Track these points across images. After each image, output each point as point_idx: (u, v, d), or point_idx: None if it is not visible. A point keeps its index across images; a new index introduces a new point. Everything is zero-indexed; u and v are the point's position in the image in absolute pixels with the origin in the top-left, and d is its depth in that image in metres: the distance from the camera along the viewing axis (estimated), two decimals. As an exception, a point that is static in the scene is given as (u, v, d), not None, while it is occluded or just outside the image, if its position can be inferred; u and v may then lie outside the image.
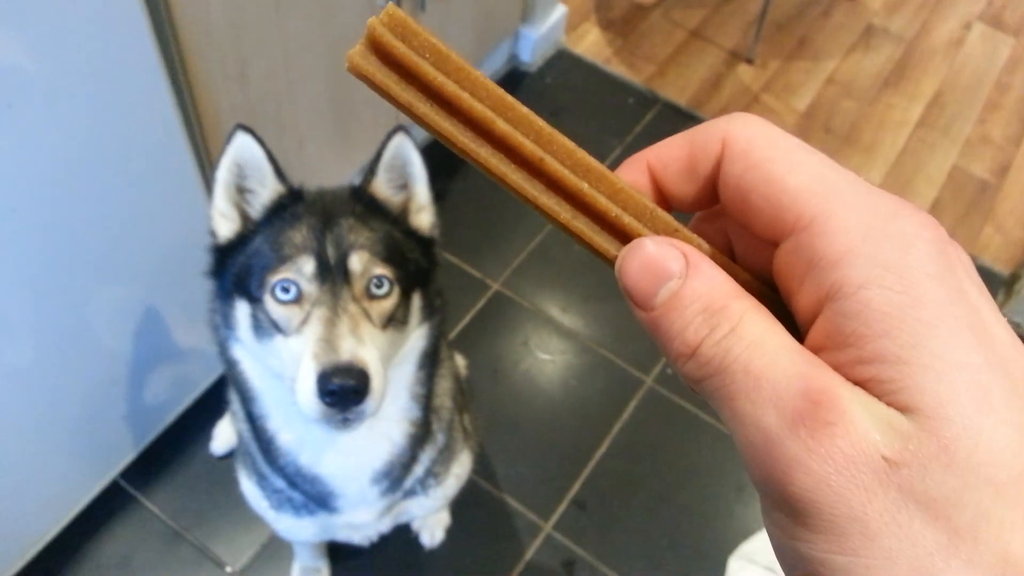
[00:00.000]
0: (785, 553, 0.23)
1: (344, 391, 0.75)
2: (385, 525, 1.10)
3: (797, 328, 0.24)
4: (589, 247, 0.27)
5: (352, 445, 0.94)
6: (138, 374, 1.38)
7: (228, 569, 1.44)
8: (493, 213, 1.92)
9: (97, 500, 1.45)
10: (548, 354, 1.74)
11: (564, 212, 0.26)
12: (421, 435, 1.00)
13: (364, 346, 0.78)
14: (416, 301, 0.89)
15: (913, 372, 0.21)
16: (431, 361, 0.97)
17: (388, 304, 0.83)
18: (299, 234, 0.82)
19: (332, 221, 0.84)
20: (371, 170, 0.90)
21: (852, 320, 0.22)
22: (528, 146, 0.25)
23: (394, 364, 0.89)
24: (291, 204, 0.87)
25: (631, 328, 1.78)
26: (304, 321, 0.79)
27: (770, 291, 0.26)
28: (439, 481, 1.09)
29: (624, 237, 0.26)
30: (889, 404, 0.21)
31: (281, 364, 0.82)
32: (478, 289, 1.81)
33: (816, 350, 0.23)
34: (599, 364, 1.73)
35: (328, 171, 1.63)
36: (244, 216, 0.89)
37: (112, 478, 1.47)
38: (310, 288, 0.80)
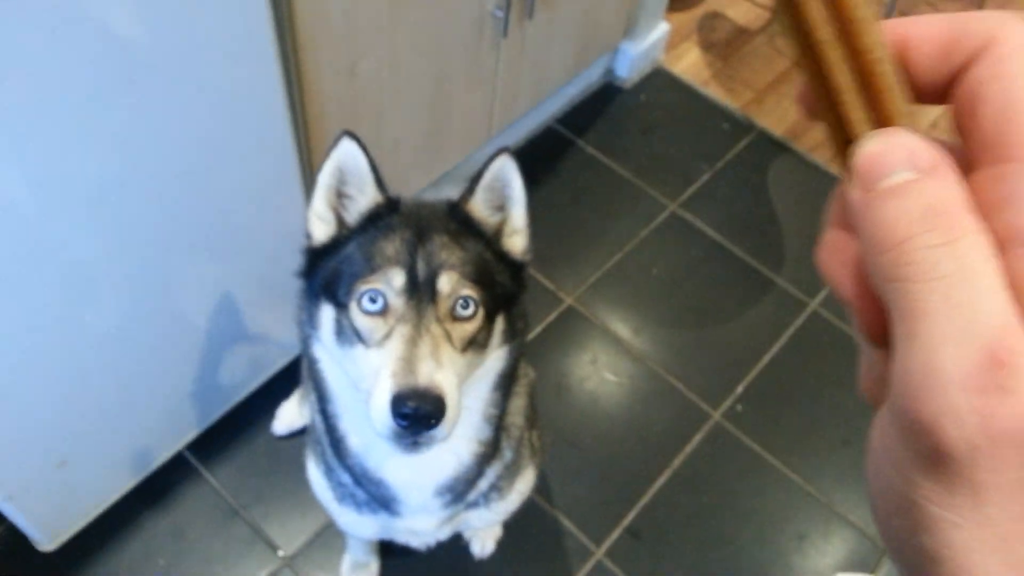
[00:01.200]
0: (887, 489, 0.23)
1: (418, 416, 0.74)
2: (444, 533, 1.10)
3: None
4: (837, 115, 0.25)
5: (419, 458, 0.94)
6: (214, 352, 1.41)
7: (280, 553, 1.45)
8: (574, 227, 1.91)
9: (162, 469, 1.49)
10: (615, 375, 1.71)
11: (842, 76, 0.25)
12: (490, 453, 0.99)
13: (442, 370, 0.76)
14: (499, 324, 0.87)
15: None
16: (507, 382, 0.96)
17: (471, 327, 0.82)
18: (392, 246, 0.82)
19: (426, 236, 0.83)
20: (470, 188, 0.89)
21: None
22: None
23: (469, 384, 0.88)
24: (387, 214, 0.87)
25: (703, 359, 1.74)
26: (387, 336, 0.78)
27: None
28: (502, 496, 1.08)
29: (877, 125, 0.25)
30: None
31: (359, 374, 0.82)
32: (551, 302, 1.79)
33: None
34: (667, 392, 1.69)
35: (414, 175, 1.64)
36: (340, 221, 0.89)
37: (178, 449, 1.50)
38: (397, 302, 0.80)
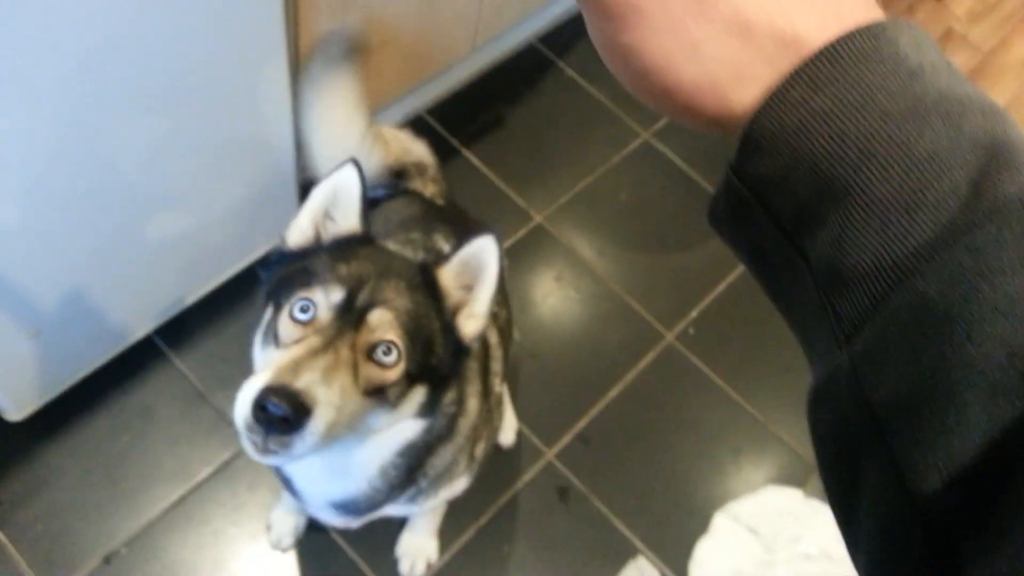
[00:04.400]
0: (601, 46, 0.31)
1: (273, 415, 0.71)
2: (356, 524, 1.10)
3: None
4: None
5: (312, 472, 0.96)
6: (190, 238, 1.43)
7: (245, 436, 1.51)
8: (548, 148, 1.94)
9: (132, 349, 1.52)
10: (577, 293, 1.78)
11: None
12: (395, 488, 0.99)
13: (326, 389, 0.73)
14: (418, 393, 0.85)
15: None
16: (418, 454, 0.95)
17: (385, 376, 0.79)
18: (346, 269, 0.81)
19: (383, 275, 0.82)
20: (447, 256, 0.89)
21: None
22: None
23: (368, 437, 0.87)
24: (358, 244, 0.87)
25: (662, 284, 1.82)
26: (296, 341, 0.77)
27: None
28: (419, 502, 1.09)
29: None
30: None
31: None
32: (521, 218, 1.84)
33: None
34: (624, 312, 1.77)
35: (397, 82, 1.65)
36: (317, 236, 0.89)
37: (148, 332, 1.53)
38: (324, 317, 0.78)
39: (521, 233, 1.83)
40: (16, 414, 1.44)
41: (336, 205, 0.88)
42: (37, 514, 1.41)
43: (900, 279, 0.27)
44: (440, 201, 1.33)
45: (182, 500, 1.45)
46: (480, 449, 1.16)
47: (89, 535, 1.42)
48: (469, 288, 0.88)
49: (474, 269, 0.87)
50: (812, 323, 0.30)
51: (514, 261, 1.78)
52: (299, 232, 0.89)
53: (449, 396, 0.94)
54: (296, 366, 0.72)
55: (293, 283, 0.81)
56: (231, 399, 1.51)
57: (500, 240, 0.86)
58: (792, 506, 1.60)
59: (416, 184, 1.32)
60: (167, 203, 1.34)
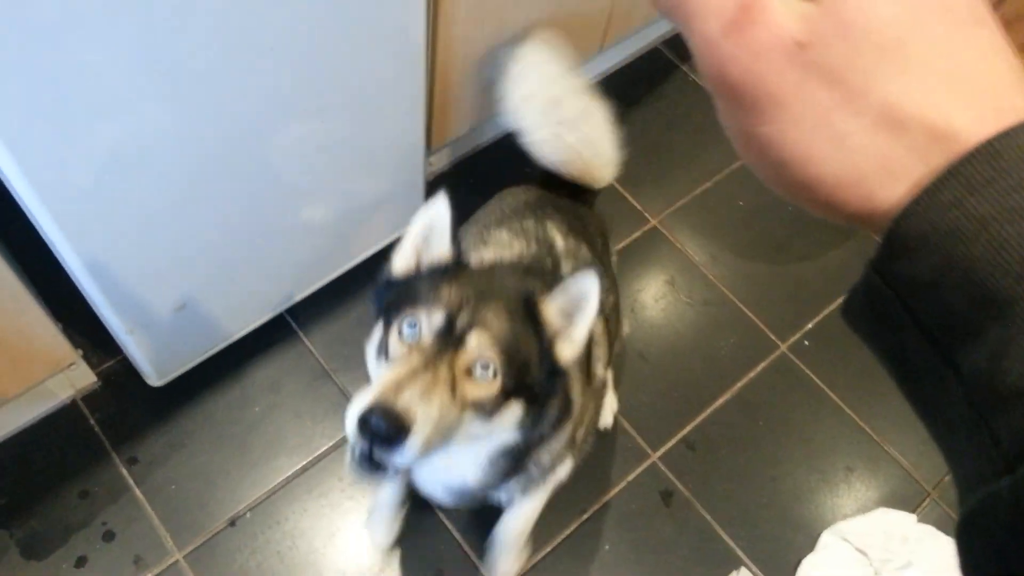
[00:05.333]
0: (735, 136, 0.30)
1: (376, 431, 0.77)
2: (468, 506, 1.17)
3: None
4: None
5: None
6: (326, 225, 1.50)
7: (363, 416, 1.58)
8: (667, 151, 1.94)
9: (264, 327, 1.61)
10: (690, 298, 1.78)
11: None
12: (505, 476, 1.04)
13: (425, 406, 0.79)
14: (513, 407, 0.89)
15: None
16: (517, 454, 1.00)
17: (482, 392, 0.84)
18: (448, 292, 0.86)
19: (484, 299, 0.87)
20: (551, 286, 0.93)
21: None
22: None
23: (467, 439, 0.90)
24: (454, 268, 0.92)
25: (777, 293, 1.79)
26: (401, 360, 0.83)
27: None
28: (530, 492, 1.14)
29: None
30: None
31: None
32: (636, 220, 1.85)
33: None
34: (737, 320, 1.75)
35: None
36: (418, 262, 0.96)
37: (281, 311, 1.62)
38: (427, 337, 0.84)
39: (636, 235, 1.83)
40: (157, 380, 1.55)
41: (431, 235, 0.94)
42: (171, 476, 1.52)
43: None
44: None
45: (303, 471, 1.54)
46: (581, 432, 1.20)
47: (217, 499, 1.51)
48: (569, 316, 0.92)
49: (575, 301, 0.91)
50: (961, 440, 0.28)
51: (627, 263, 1.80)
52: (403, 260, 0.95)
53: (548, 414, 0.98)
54: (396, 387, 0.78)
55: (401, 304, 0.87)
56: (352, 379, 1.59)
57: (601, 277, 0.90)
58: (904, 530, 1.55)
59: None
60: (309, 195, 1.42)
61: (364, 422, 0.77)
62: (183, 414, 1.58)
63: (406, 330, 0.85)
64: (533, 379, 0.89)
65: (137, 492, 1.50)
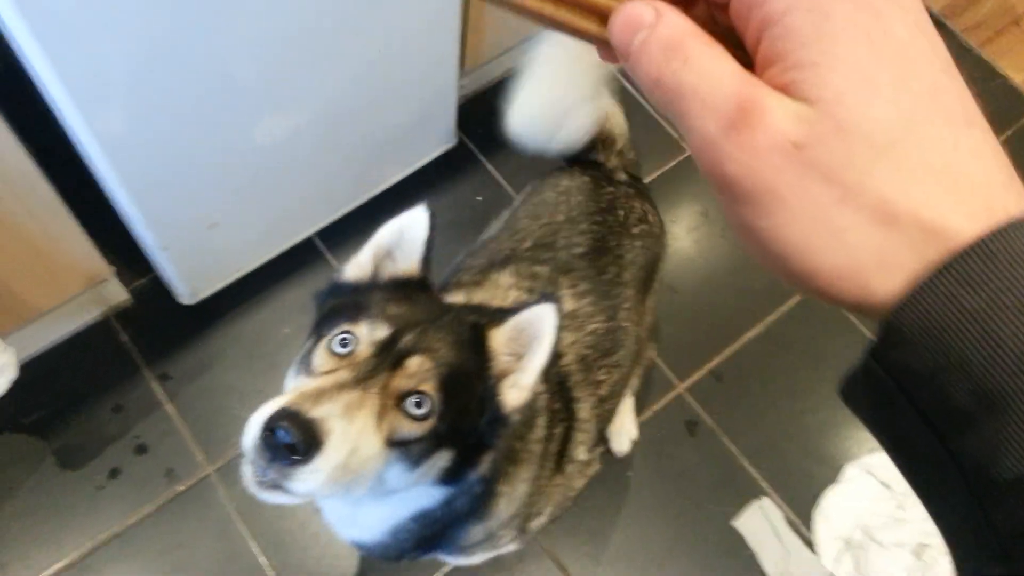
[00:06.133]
0: (735, 227, 0.30)
1: (280, 441, 0.64)
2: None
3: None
4: (577, 32, 0.31)
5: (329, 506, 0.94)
6: (354, 150, 1.48)
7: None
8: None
9: (294, 248, 1.61)
10: (724, 230, 1.75)
11: (548, 6, 0.30)
12: (413, 548, 0.94)
13: (344, 425, 0.67)
14: (442, 458, 0.77)
15: (821, 72, 0.27)
16: (431, 523, 0.89)
17: (410, 429, 0.72)
18: (395, 309, 0.77)
19: (433, 324, 0.77)
20: (502, 316, 0.82)
21: (780, 40, 0.28)
22: None
23: (379, 496, 0.79)
24: (413, 288, 0.83)
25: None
26: (326, 373, 0.72)
27: (737, 42, 0.30)
28: (466, 553, 1.04)
29: (607, 17, 0.30)
30: (803, 100, 0.27)
31: None
32: (673, 149, 1.81)
33: (760, 72, 0.28)
34: (770, 253, 1.73)
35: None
36: (375, 271, 0.86)
37: (310, 234, 1.62)
38: (363, 352, 0.73)
39: (671, 164, 1.80)
40: (189, 298, 1.57)
41: (400, 246, 0.85)
42: (203, 392, 1.54)
43: None
44: (622, 175, 1.24)
45: (333, 392, 1.55)
46: (538, 522, 1.10)
47: (247, 415, 1.52)
48: (517, 357, 0.80)
49: (528, 337, 0.80)
50: (958, 522, 0.29)
51: (662, 192, 1.76)
52: (358, 266, 0.86)
53: (479, 470, 0.84)
54: (319, 395, 0.67)
55: (340, 315, 0.76)
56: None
57: (560, 311, 0.80)
58: (930, 466, 1.55)
59: (599, 156, 1.24)
60: (342, 116, 1.39)
61: (269, 431, 0.64)
62: (214, 333, 1.59)
63: (337, 346, 0.73)
64: (471, 424, 0.78)
65: (169, 407, 1.53)
